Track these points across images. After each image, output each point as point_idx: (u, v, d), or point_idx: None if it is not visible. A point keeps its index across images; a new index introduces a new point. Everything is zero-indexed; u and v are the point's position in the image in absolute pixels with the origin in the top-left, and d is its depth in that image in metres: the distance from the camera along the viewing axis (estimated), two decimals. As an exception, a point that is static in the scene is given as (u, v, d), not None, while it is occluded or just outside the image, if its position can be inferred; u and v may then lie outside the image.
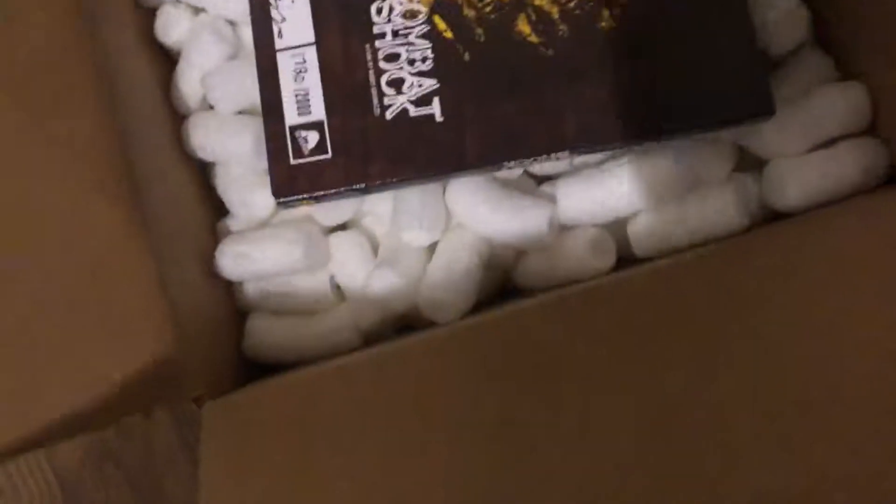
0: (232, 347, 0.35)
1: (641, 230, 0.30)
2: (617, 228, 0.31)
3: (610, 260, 0.30)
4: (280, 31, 0.30)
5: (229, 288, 0.35)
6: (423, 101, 0.30)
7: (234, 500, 0.27)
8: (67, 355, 0.28)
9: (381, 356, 0.29)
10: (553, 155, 0.29)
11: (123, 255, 0.28)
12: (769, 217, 0.30)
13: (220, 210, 0.35)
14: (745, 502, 0.23)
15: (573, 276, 0.30)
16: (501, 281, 0.33)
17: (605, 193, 0.30)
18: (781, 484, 0.22)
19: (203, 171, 0.35)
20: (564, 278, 0.30)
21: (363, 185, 0.30)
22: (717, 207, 0.29)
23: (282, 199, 0.30)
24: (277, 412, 0.29)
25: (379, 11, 0.30)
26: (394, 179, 0.30)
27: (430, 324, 0.32)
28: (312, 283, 0.34)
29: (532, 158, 0.29)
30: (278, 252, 0.32)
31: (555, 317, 0.27)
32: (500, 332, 0.27)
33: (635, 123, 0.29)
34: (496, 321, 0.28)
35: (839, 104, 0.30)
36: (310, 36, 0.30)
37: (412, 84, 0.30)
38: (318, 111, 0.30)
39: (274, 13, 0.30)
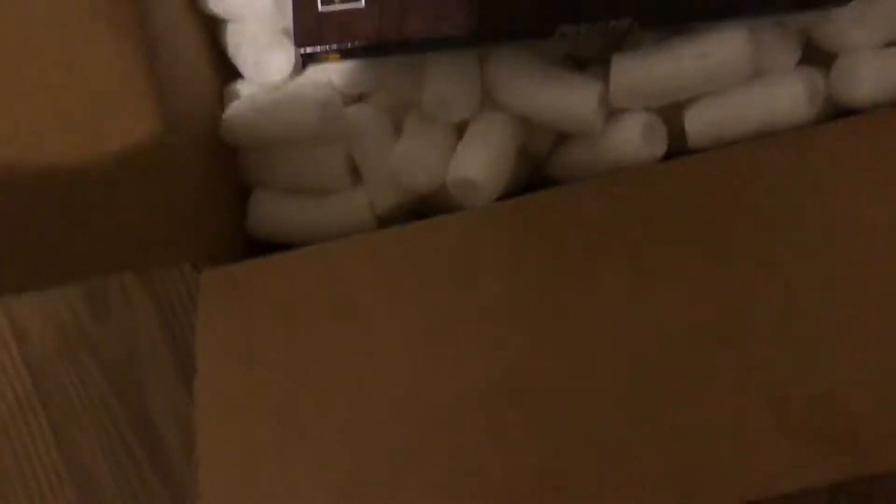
0: (235, 224, 0.32)
1: (699, 117, 0.27)
2: (669, 117, 0.28)
3: (662, 148, 0.28)
4: None
5: (234, 159, 0.32)
6: None
7: (235, 383, 0.25)
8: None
9: (408, 232, 0.26)
10: (614, 23, 0.26)
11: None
12: (836, 114, 0.28)
13: (230, 75, 0.32)
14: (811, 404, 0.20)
15: (619, 164, 0.28)
16: (533, 172, 0.31)
17: (664, 73, 0.27)
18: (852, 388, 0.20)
19: (215, 32, 0.32)
20: (609, 167, 0.28)
21: (398, 41, 0.27)
22: (784, 97, 0.27)
23: (306, 51, 0.27)
24: (286, 287, 0.26)
25: None
26: (432, 37, 0.27)
27: (453, 209, 0.29)
28: (325, 157, 0.31)
29: (591, 23, 0.26)
30: (292, 115, 0.29)
31: (603, 196, 0.25)
32: (544, 210, 0.25)
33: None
34: (539, 199, 0.25)
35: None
36: None
37: None
38: None
39: None
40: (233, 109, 0.31)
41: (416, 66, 0.30)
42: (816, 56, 0.29)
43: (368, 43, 0.27)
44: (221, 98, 0.32)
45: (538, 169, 0.31)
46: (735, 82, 0.27)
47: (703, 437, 0.20)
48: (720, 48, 0.26)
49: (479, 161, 0.28)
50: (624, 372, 0.22)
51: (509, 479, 0.21)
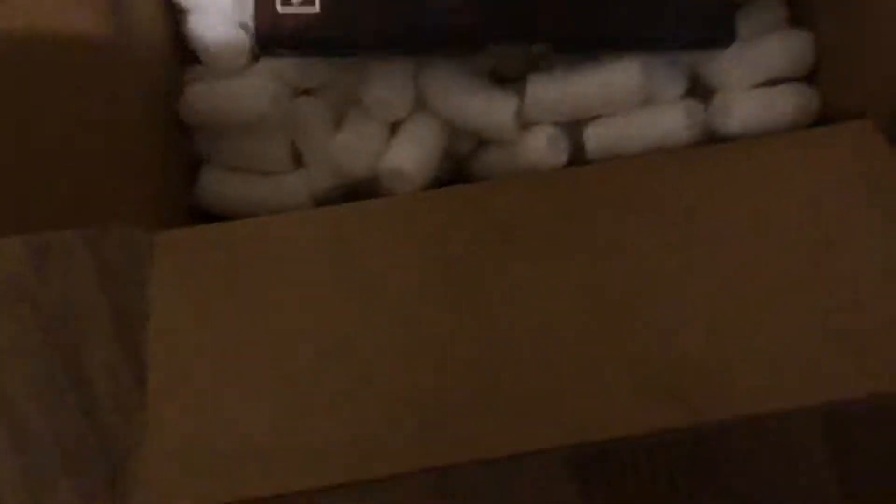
0: (181, 195, 0.35)
1: (597, 133, 0.32)
2: (572, 132, 0.33)
3: (564, 157, 0.32)
4: None
5: (187, 134, 0.35)
6: None
7: (185, 334, 0.28)
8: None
9: (340, 211, 0.30)
10: (534, 46, 0.31)
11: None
12: (711, 140, 0.33)
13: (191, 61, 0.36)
14: (664, 366, 0.25)
15: (528, 168, 0.32)
16: (455, 171, 0.35)
17: (571, 94, 0.32)
18: (700, 355, 0.25)
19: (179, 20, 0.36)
20: (519, 170, 0.33)
21: (346, 45, 0.31)
22: (668, 122, 0.32)
23: (265, 51, 0.31)
24: (232, 251, 0.30)
25: None
26: (377, 44, 0.31)
27: (382, 196, 0.33)
28: (271, 141, 0.35)
29: (512, 44, 0.31)
30: (245, 102, 0.33)
31: (512, 192, 0.29)
32: (461, 200, 0.29)
33: (609, 32, 0.31)
34: (458, 191, 0.30)
35: (786, 49, 0.33)
36: None
37: None
38: None
39: None
40: (191, 91, 0.34)
41: (361, 68, 0.34)
42: (700, 89, 0.34)
43: (320, 44, 0.31)
44: (182, 79, 0.35)
45: (460, 168, 0.35)
46: (628, 107, 0.32)
47: (574, 389, 0.24)
48: (618, 77, 0.31)
49: (408, 155, 0.32)
50: (524, 335, 0.26)
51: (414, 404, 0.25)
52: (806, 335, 0.25)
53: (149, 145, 0.33)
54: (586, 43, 0.31)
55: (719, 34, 0.31)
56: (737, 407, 0.24)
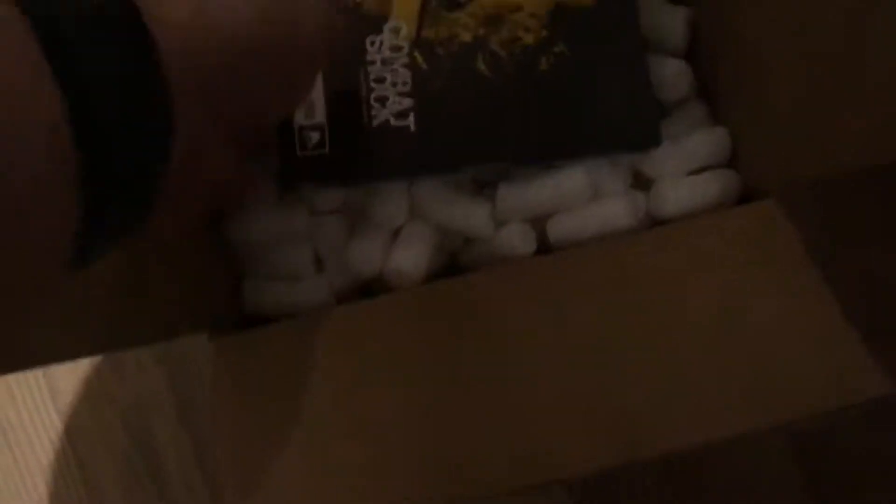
0: (230, 305, 0.43)
1: (557, 226, 0.40)
2: (537, 226, 0.41)
3: (533, 247, 0.40)
4: None
5: (228, 250, 0.44)
6: (401, 115, 0.39)
7: (249, 425, 0.36)
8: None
9: (355, 308, 0.38)
10: (496, 164, 0.39)
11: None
12: (654, 223, 0.41)
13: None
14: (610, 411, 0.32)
15: (505, 258, 0.40)
16: (450, 261, 0.43)
17: (532, 197, 0.40)
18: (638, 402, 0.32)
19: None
20: (498, 260, 0.40)
21: (355, 178, 0.39)
22: (615, 212, 0.39)
23: (289, 186, 0.39)
24: (281, 349, 0.37)
25: (372, 43, 0.40)
26: (379, 173, 0.39)
27: (389, 290, 0.41)
28: (298, 253, 0.43)
29: (482, 165, 0.39)
30: (281, 224, 0.41)
31: (491, 281, 0.37)
32: (450, 291, 0.37)
33: (558, 145, 0.39)
34: (446, 284, 0.37)
35: (708, 143, 0.41)
36: None
37: (394, 101, 0.39)
38: (321, 116, 0.39)
39: None
40: (237, 218, 0.42)
41: (365, 189, 0.42)
42: (642, 181, 0.42)
43: (331, 177, 0.39)
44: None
45: (453, 260, 0.43)
46: (580, 203, 0.40)
47: (535, 429, 0.32)
48: (566, 181, 0.39)
49: (406, 257, 0.40)
50: (500, 391, 0.33)
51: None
52: (721, 379, 0.32)
53: (205, 265, 0.41)
54: (540, 157, 0.39)
55: (647, 138, 0.39)
56: (669, 442, 0.31)
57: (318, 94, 0.39)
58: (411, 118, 0.39)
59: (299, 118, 0.39)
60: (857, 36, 0.33)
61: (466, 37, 0.40)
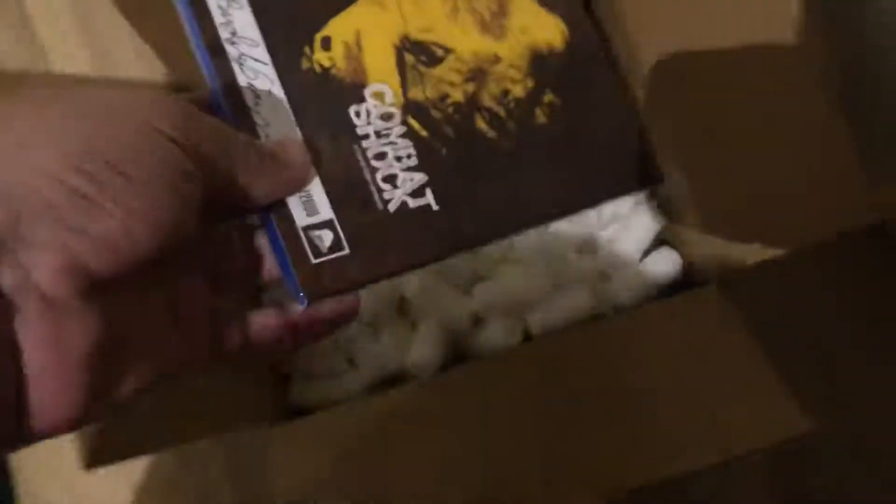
0: (280, 400, 0.54)
1: (534, 318, 0.51)
2: (520, 316, 0.52)
3: (517, 339, 0.51)
4: (267, 135, 0.32)
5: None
6: (417, 193, 0.34)
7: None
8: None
9: (389, 398, 0.49)
10: (523, 231, 0.36)
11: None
12: (615, 307, 0.52)
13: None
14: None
15: (494, 348, 0.51)
16: (456, 351, 0.54)
17: (506, 295, 0.51)
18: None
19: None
20: (490, 350, 0.51)
21: (387, 275, 0.33)
22: (579, 302, 0.51)
23: (312, 300, 0.31)
24: (324, 437, 0.48)
25: (358, 114, 0.34)
26: (409, 265, 0.33)
27: (413, 377, 0.52)
28: (334, 355, 0.54)
29: (510, 236, 0.36)
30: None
31: (486, 370, 0.48)
32: (458, 379, 0.48)
33: (572, 199, 0.36)
34: (454, 373, 0.49)
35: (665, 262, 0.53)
36: (297, 137, 0.33)
37: (405, 179, 0.34)
38: (326, 210, 0.32)
39: (256, 117, 0.32)
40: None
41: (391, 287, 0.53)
42: (602, 275, 0.53)
43: (361, 282, 0.32)
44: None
45: (459, 348, 0.54)
46: (549, 295, 0.51)
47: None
48: (534, 278, 0.51)
49: (422, 351, 0.51)
50: (520, 457, 0.44)
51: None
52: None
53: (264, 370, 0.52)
54: (560, 213, 0.36)
55: (648, 177, 0.38)
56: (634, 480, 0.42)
57: (313, 183, 0.32)
58: (429, 195, 0.34)
59: (300, 217, 0.32)
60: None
61: (457, 95, 0.36)
